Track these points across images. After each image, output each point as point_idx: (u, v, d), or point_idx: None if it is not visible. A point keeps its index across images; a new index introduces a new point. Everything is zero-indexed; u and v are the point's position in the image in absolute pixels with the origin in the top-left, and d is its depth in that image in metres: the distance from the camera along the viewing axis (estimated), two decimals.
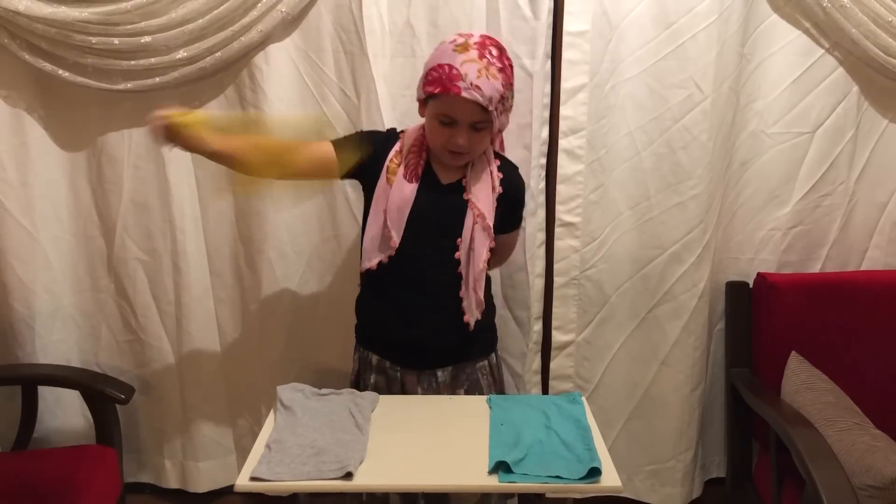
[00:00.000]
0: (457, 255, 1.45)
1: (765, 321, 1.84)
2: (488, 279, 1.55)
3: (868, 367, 1.80)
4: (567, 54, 1.72)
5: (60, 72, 1.66)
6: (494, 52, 1.37)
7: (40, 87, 1.74)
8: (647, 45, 1.73)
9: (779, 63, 1.79)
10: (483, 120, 1.37)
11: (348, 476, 1.17)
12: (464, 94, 1.32)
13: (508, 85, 1.39)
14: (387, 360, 1.53)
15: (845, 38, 1.75)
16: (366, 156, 1.46)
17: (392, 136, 1.51)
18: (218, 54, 1.66)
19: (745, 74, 1.80)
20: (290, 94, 1.74)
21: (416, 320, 1.48)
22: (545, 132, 1.77)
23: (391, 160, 1.45)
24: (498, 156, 1.53)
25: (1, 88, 1.71)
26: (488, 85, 1.33)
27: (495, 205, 1.46)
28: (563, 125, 1.77)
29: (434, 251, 1.45)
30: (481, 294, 1.47)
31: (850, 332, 1.81)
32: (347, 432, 1.30)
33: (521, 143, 1.76)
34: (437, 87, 1.35)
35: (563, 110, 1.76)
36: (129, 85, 1.68)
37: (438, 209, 1.45)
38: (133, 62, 1.64)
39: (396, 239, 1.43)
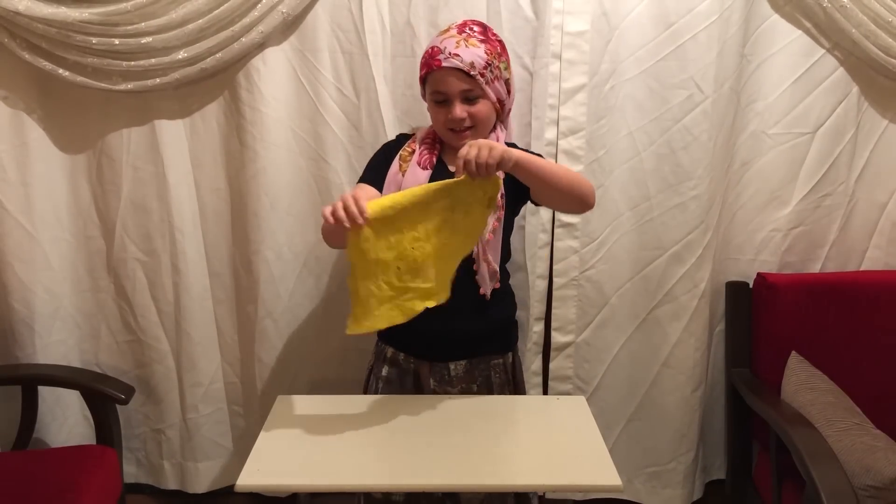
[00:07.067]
0: None
1: (765, 321, 1.84)
2: (505, 264, 1.52)
3: (868, 367, 1.80)
4: (566, 54, 1.72)
5: (60, 71, 1.65)
6: (476, 28, 1.42)
7: (40, 88, 1.74)
8: (647, 46, 1.73)
9: (779, 63, 1.79)
10: (470, 88, 1.40)
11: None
12: (443, 63, 1.38)
13: (495, 54, 1.41)
14: (401, 352, 1.52)
15: (845, 39, 1.75)
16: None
17: (402, 138, 1.56)
18: (218, 55, 1.66)
19: (746, 75, 1.80)
20: (286, 94, 1.74)
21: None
22: (551, 133, 1.76)
23: (403, 149, 1.49)
24: (510, 145, 1.51)
25: (1, 89, 1.71)
26: (467, 52, 1.38)
27: (501, 176, 1.40)
28: (562, 126, 1.77)
29: None
30: (495, 265, 1.45)
31: (850, 332, 1.81)
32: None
33: (522, 142, 1.76)
34: (424, 69, 1.43)
35: (563, 111, 1.76)
36: (130, 86, 1.68)
37: None
38: (133, 62, 1.65)
39: None
